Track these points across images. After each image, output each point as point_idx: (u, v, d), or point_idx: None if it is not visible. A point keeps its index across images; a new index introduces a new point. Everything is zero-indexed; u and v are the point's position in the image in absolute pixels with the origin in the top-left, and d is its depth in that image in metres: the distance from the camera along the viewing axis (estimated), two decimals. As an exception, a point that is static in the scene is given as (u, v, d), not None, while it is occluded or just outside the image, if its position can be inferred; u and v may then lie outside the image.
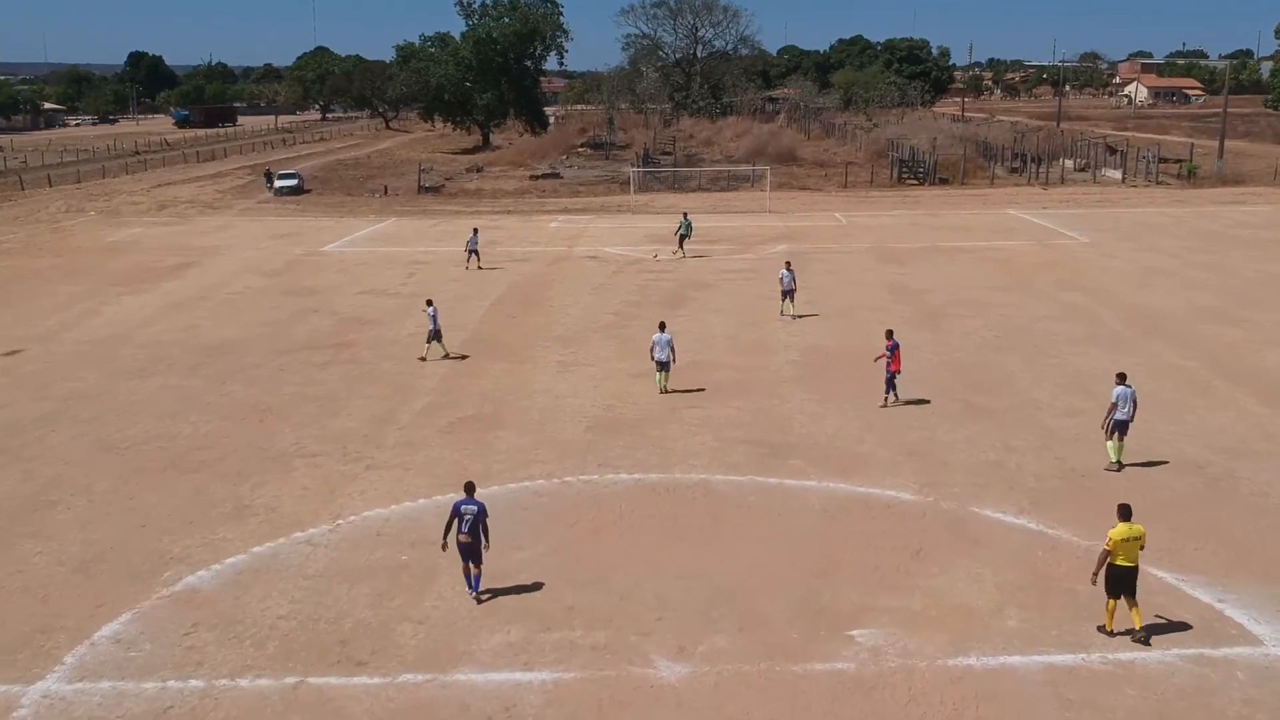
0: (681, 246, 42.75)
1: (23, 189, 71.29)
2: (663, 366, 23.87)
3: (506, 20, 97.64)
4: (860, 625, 14.16)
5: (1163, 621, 14.05)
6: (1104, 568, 13.62)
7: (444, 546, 14.84)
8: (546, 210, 59.25)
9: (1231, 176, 70.15)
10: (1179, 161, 73.04)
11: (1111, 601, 13.73)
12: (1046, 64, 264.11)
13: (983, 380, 25.24)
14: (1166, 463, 19.64)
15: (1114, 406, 19.12)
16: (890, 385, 22.91)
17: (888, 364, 22.80)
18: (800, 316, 31.29)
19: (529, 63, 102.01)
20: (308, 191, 68.80)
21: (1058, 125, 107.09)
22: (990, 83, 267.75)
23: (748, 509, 17.97)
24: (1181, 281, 36.75)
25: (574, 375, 26.14)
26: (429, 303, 27.64)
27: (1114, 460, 19.33)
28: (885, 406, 22.93)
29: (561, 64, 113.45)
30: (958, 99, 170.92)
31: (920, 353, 27.68)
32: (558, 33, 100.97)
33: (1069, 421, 22.10)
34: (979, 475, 19.33)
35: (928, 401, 23.37)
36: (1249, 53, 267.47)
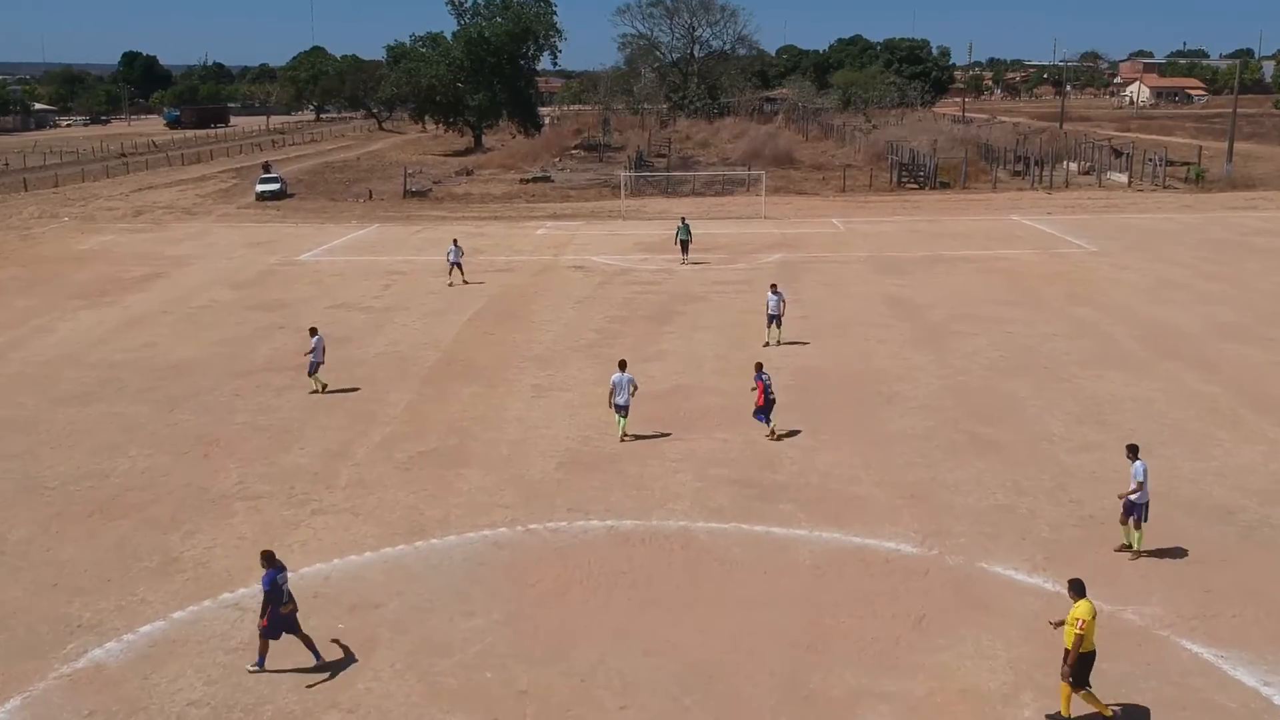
0: (685, 251, 40.83)
1: (-2, 193, 69.42)
2: (622, 410, 21.50)
3: (499, 20, 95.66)
4: (856, 716, 12.31)
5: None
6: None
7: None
8: (535, 216, 57.33)
9: (1241, 180, 68.10)
10: (1186, 164, 71.05)
11: (1083, 691, 12.00)
12: (1046, 64, 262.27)
13: (989, 407, 23.38)
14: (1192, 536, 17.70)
15: (1141, 487, 15.89)
16: (763, 416, 21.27)
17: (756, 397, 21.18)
18: (787, 343, 28.58)
19: (522, 63, 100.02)
20: (290, 196, 66.91)
21: (1060, 126, 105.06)
22: (990, 83, 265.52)
23: (730, 565, 16.12)
24: (1196, 295, 34.88)
25: (549, 401, 24.30)
26: (313, 331, 25.15)
27: (1128, 544, 16.16)
28: (773, 437, 21.24)
29: (555, 64, 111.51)
30: (958, 99, 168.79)
31: (922, 375, 25.87)
32: (551, 32, 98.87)
33: (1085, 458, 20.22)
34: (987, 523, 17.47)
35: (796, 431, 21.45)
36: (1250, 52, 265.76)
